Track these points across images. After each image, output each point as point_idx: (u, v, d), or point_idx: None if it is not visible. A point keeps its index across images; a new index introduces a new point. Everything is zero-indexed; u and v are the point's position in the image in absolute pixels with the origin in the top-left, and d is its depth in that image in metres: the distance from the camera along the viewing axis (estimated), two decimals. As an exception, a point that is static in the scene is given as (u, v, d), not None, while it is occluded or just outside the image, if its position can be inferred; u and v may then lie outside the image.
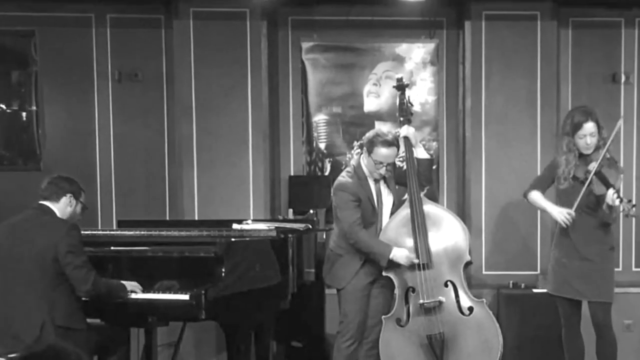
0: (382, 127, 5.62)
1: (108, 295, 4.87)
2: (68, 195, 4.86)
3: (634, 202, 5.14)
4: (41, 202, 4.84)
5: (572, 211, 5.14)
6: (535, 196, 5.46)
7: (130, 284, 4.96)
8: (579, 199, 5.10)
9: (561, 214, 5.19)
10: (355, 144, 6.78)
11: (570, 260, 5.28)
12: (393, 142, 5.30)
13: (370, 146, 5.31)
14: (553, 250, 5.46)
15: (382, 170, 5.36)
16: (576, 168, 5.23)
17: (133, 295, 4.98)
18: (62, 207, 4.84)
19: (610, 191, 5.02)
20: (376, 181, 5.42)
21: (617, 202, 5.00)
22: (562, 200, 5.33)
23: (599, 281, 5.25)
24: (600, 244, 5.29)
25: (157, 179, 6.91)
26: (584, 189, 5.10)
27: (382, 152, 5.28)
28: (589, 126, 5.18)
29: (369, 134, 5.38)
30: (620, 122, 5.34)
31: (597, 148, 5.20)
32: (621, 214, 5.13)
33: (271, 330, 5.94)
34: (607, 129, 5.22)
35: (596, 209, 5.22)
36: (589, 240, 5.25)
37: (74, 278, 4.67)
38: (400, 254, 5.26)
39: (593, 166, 5.09)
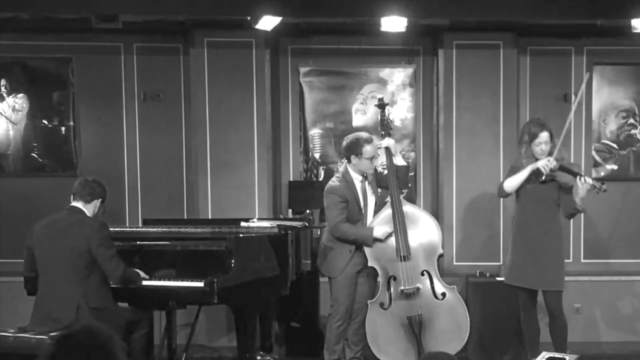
0: (356, 133, 5.59)
1: (131, 282, 4.90)
2: (100, 199, 4.89)
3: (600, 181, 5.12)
4: (73, 204, 4.84)
5: (552, 159, 5.08)
6: (509, 180, 5.32)
7: (141, 273, 5.01)
8: (555, 155, 5.07)
9: (541, 162, 5.12)
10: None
11: (526, 252, 5.28)
12: (371, 137, 5.40)
13: (357, 149, 5.33)
14: (511, 241, 5.46)
15: (375, 162, 5.42)
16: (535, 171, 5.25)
17: (156, 283, 5.02)
18: (91, 208, 4.85)
19: (579, 176, 5.03)
20: (366, 178, 5.45)
21: (590, 181, 4.99)
22: (524, 198, 5.32)
23: (552, 272, 5.26)
24: (553, 237, 5.29)
25: (176, 184, 6.90)
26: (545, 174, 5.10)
27: (369, 149, 5.32)
28: (544, 135, 5.21)
29: (348, 142, 5.39)
30: (571, 115, 5.38)
31: (550, 154, 5.23)
32: (594, 191, 5.06)
33: (273, 313, 5.98)
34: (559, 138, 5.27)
35: (555, 203, 5.24)
36: (542, 233, 5.25)
37: (106, 268, 4.69)
38: (381, 231, 5.30)
39: (553, 163, 5.10)
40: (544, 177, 5.17)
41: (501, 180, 5.54)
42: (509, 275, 5.44)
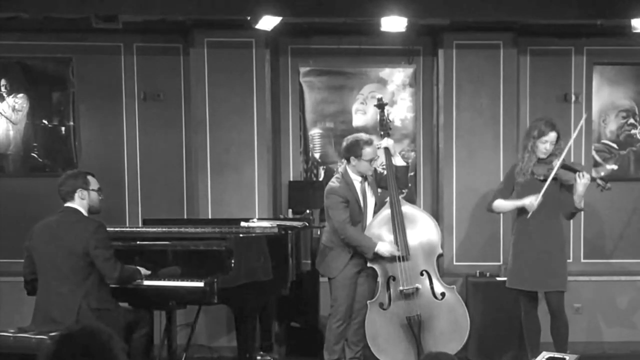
0: (356, 134, 5.60)
1: (129, 281, 4.90)
2: (78, 190, 4.79)
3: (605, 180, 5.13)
4: (67, 205, 4.81)
5: (539, 197, 5.11)
6: (499, 203, 5.42)
7: (142, 269, 5.02)
8: (545, 188, 5.07)
9: (529, 199, 5.17)
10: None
11: (529, 254, 5.27)
12: (371, 139, 5.41)
13: (357, 151, 5.34)
14: (512, 244, 5.44)
15: (374, 165, 5.43)
16: (535, 167, 5.25)
17: (156, 283, 5.02)
18: (79, 202, 4.79)
19: (578, 172, 5.05)
20: (365, 179, 5.46)
21: (588, 176, 5.01)
22: (522, 197, 5.32)
23: (554, 273, 5.25)
24: (555, 238, 5.30)
25: (176, 183, 6.90)
26: (549, 180, 5.08)
27: (368, 150, 5.34)
28: (552, 135, 5.23)
29: (348, 143, 5.40)
30: (582, 122, 5.40)
31: (551, 154, 5.26)
32: (598, 189, 5.11)
33: (273, 313, 5.99)
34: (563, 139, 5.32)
35: (558, 204, 5.24)
36: (545, 234, 5.24)
37: (103, 269, 4.68)
38: (384, 248, 5.30)
39: (556, 163, 5.12)
40: (543, 177, 5.18)
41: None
42: (511, 279, 5.42)
